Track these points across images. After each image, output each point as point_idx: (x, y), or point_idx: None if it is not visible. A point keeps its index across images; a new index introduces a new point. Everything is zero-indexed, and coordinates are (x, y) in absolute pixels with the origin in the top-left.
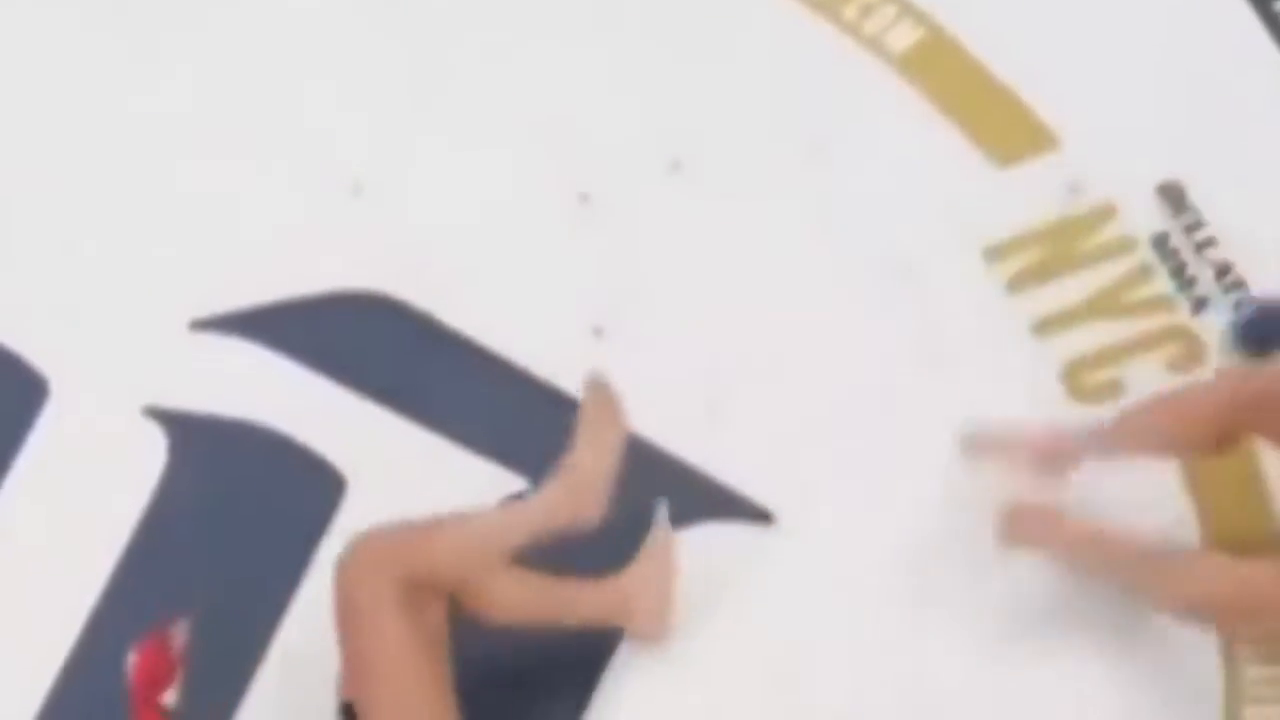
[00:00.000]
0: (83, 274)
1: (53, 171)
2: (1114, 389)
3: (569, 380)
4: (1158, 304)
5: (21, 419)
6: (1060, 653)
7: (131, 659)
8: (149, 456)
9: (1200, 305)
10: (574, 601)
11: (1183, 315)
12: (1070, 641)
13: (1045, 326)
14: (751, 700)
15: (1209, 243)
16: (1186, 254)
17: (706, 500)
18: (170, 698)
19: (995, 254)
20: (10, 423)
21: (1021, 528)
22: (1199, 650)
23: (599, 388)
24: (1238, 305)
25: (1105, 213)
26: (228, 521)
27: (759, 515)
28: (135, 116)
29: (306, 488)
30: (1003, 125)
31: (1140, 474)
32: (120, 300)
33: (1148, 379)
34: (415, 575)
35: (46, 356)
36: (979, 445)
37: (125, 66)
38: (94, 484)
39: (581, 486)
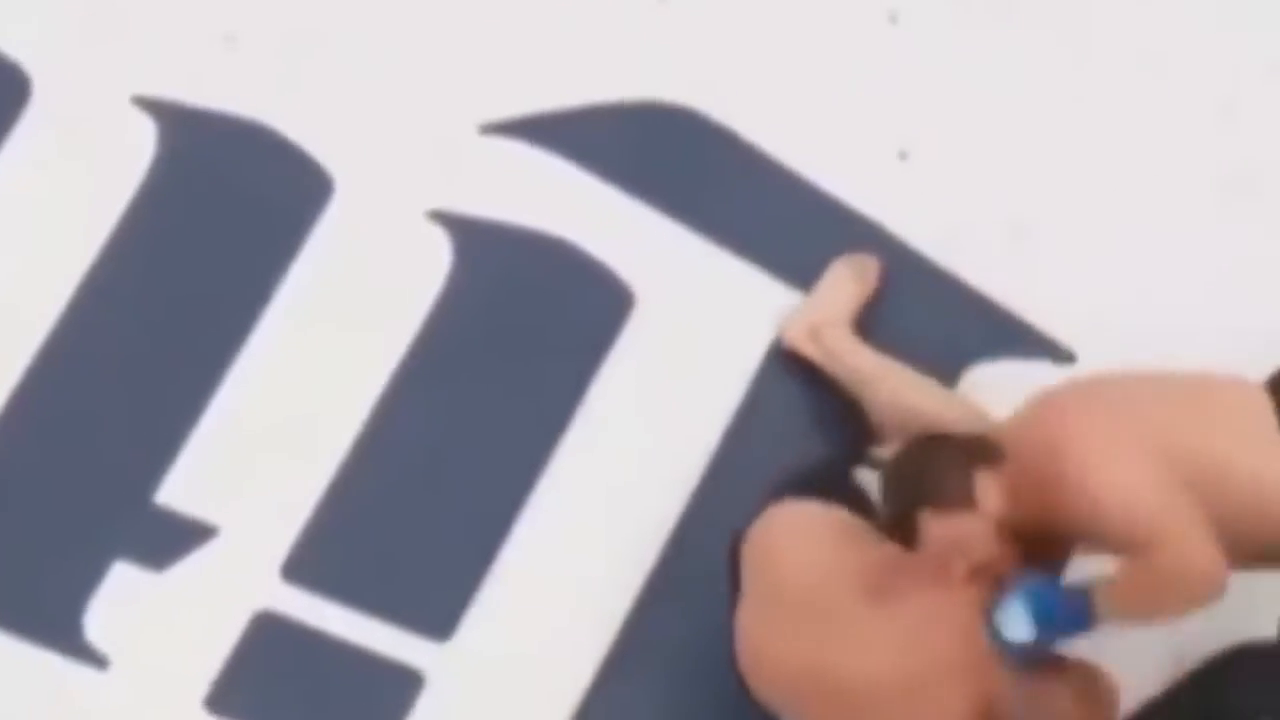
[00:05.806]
0: (374, 74)
1: None
2: None
3: (869, 203)
4: None
5: (306, 217)
6: None
7: None
8: (433, 260)
9: None
10: None
11: None
12: None
13: None
14: None
15: None
16: None
17: (1007, 336)
18: None
19: None
20: (295, 220)
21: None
22: None
23: None
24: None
25: None
26: (511, 330)
27: (1062, 355)
28: None
29: (593, 300)
30: None
31: None
32: (410, 101)
33: None
34: None
35: (334, 155)
36: None
37: None
38: (377, 285)
39: None
